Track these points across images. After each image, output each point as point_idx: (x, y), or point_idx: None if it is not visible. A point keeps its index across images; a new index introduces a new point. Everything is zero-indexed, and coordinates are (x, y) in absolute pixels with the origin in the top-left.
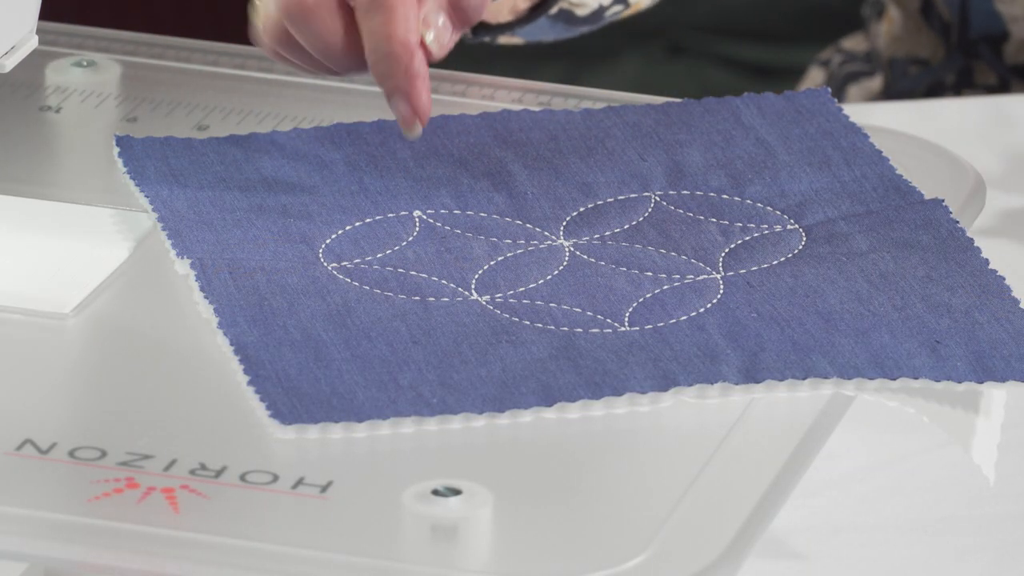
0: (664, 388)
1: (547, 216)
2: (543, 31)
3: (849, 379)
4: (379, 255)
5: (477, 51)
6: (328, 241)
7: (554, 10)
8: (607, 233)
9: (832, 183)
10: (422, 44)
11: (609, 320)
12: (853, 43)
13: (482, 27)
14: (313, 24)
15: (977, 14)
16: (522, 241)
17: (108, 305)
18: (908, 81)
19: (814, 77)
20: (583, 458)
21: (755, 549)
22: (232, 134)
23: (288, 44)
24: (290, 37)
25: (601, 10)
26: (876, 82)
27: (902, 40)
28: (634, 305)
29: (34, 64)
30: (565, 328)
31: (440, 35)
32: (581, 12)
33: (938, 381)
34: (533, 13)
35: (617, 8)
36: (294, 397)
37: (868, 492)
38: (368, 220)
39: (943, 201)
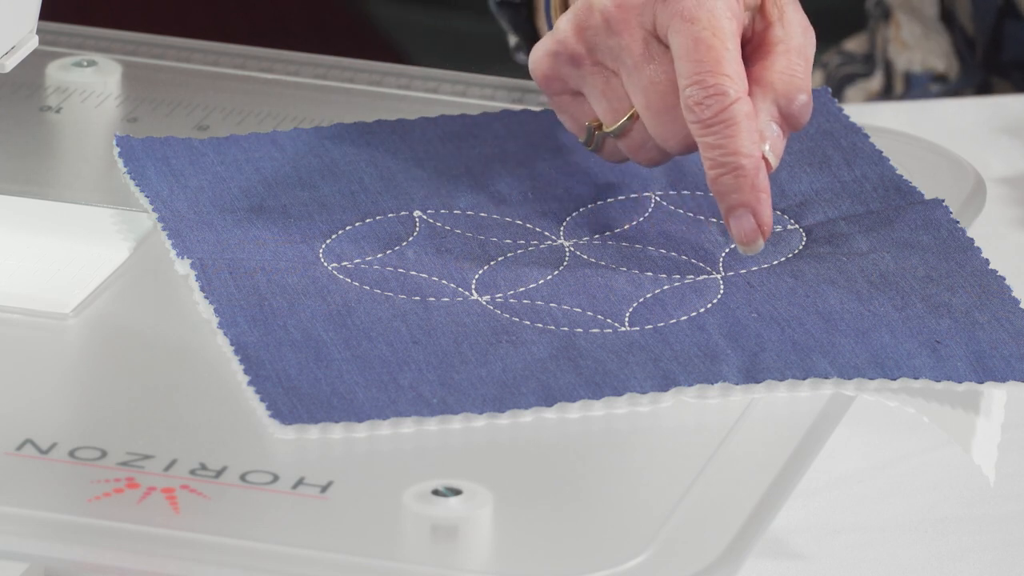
0: (664, 388)
1: (547, 216)
2: None
3: (849, 379)
4: (379, 255)
5: (477, 50)
6: (328, 241)
7: None
8: (607, 233)
9: (832, 183)
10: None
11: (609, 320)
12: (855, 44)
13: None
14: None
15: (1011, 40)
16: (522, 241)
17: (108, 305)
18: (927, 96)
19: (814, 79)
20: (583, 458)
21: (755, 549)
22: (232, 134)
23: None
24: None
25: None
26: (874, 83)
27: (912, 49)
28: (634, 305)
29: (34, 64)
30: (565, 328)
31: (775, 145)
32: None
33: (938, 381)
34: None
35: None
36: (294, 397)
37: (868, 492)
38: (368, 220)
39: (943, 201)
